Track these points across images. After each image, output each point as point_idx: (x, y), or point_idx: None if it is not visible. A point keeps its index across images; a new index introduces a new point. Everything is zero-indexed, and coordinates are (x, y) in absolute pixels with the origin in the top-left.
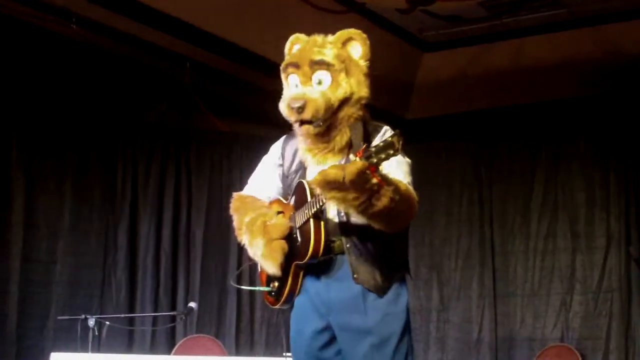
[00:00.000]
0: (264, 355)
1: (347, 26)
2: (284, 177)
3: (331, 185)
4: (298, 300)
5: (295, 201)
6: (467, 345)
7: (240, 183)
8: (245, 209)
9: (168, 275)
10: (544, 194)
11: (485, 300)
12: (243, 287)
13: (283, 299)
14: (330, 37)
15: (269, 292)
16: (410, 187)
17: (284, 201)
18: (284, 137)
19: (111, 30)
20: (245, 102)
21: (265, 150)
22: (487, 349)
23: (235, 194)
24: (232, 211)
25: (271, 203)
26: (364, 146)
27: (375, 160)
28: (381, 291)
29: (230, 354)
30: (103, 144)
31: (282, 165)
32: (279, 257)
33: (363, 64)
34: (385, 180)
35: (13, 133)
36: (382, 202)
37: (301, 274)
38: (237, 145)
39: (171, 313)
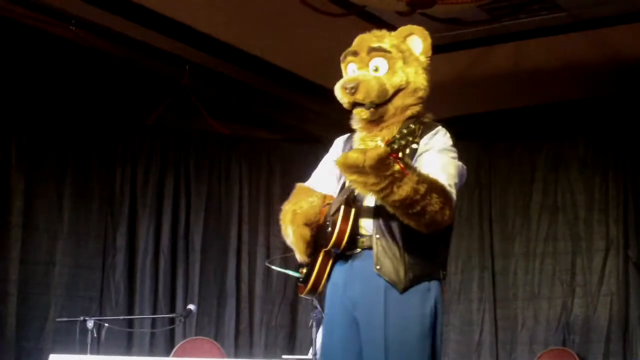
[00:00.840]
0: (263, 357)
1: (346, 29)
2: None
3: (352, 168)
4: (328, 293)
5: (341, 187)
6: (468, 348)
7: (239, 185)
8: (294, 198)
9: (167, 277)
10: (543, 196)
11: (485, 303)
12: (276, 268)
13: (309, 286)
14: (392, 32)
15: (298, 279)
16: (448, 188)
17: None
18: (348, 134)
19: (111, 33)
20: (244, 104)
21: (264, 153)
22: (488, 352)
23: (297, 185)
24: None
25: (325, 197)
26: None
27: (396, 147)
28: (401, 286)
29: (229, 356)
30: (102, 146)
31: None
32: (301, 245)
33: (423, 59)
34: (409, 169)
35: (12, 135)
36: (404, 190)
37: (330, 263)
38: (236, 148)
39: (170, 315)
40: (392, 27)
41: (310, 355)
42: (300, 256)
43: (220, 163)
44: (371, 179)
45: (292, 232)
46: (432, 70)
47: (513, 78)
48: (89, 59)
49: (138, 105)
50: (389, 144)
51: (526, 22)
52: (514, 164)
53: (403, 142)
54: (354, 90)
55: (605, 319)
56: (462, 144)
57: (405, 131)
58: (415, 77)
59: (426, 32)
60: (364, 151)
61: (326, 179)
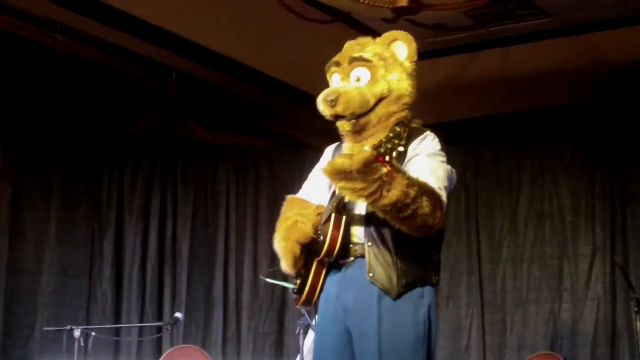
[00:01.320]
0: None
1: (332, 35)
2: None
3: (339, 174)
4: (321, 303)
5: (330, 194)
6: (456, 353)
7: (226, 193)
8: (288, 208)
9: (154, 285)
10: (530, 202)
11: (473, 308)
12: (270, 280)
13: (303, 297)
14: (377, 39)
15: (292, 290)
16: (439, 191)
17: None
18: (337, 143)
19: (97, 41)
20: (231, 112)
21: (250, 160)
22: (476, 357)
23: (287, 197)
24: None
25: (317, 207)
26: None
27: (382, 150)
28: (394, 293)
29: None
30: (89, 154)
31: None
32: (290, 260)
33: (408, 64)
34: (397, 172)
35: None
36: (394, 193)
37: (323, 273)
38: (223, 155)
39: (157, 323)
40: (377, 34)
41: None
42: (286, 268)
43: (207, 170)
44: (359, 184)
45: (280, 241)
46: (418, 76)
47: (499, 84)
48: (75, 67)
49: (124, 113)
50: (376, 147)
51: (512, 28)
52: (501, 169)
53: (389, 145)
54: (334, 102)
55: (591, 324)
56: (449, 149)
57: (391, 134)
58: (398, 84)
59: (410, 37)
60: (350, 156)
61: (317, 188)
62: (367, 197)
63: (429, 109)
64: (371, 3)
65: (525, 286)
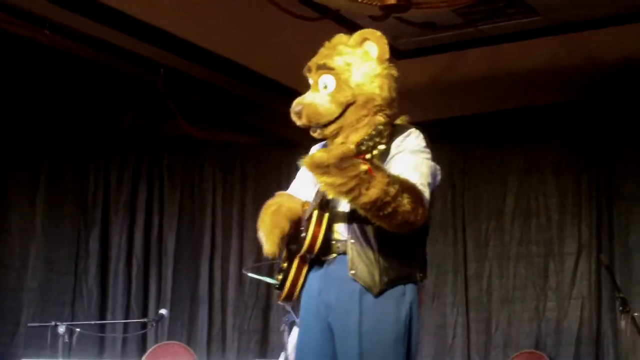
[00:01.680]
0: None
1: (321, 33)
2: None
3: (318, 168)
4: (303, 300)
5: (314, 194)
6: (441, 351)
7: (212, 189)
8: (274, 200)
9: (139, 282)
10: (516, 200)
11: (458, 306)
12: (253, 275)
13: (285, 292)
14: (350, 39)
15: (274, 285)
16: (420, 187)
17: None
18: (324, 141)
19: (85, 37)
20: (219, 109)
21: (238, 156)
22: (461, 355)
23: (276, 193)
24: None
25: (304, 204)
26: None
27: (364, 148)
28: (376, 290)
29: None
30: (75, 150)
31: None
32: (276, 235)
33: (377, 65)
34: (378, 170)
35: None
36: (374, 192)
37: (304, 269)
38: (210, 152)
39: (142, 320)
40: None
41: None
42: (270, 247)
43: (194, 167)
44: (338, 180)
45: (270, 222)
46: (407, 74)
47: (488, 82)
48: (63, 63)
49: (112, 109)
50: (357, 145)
51: (501, 26)
52: (488, 167)
53: (371, 143)
54: (298, 115)
55: (576, 322)
56: (437, 147)
57: (373, 132)
58: (364, 88)
59: (380, 36)
60: (328, 150)
61: (305, 186)
62: (345, 193)
63: (417, 107)
64: (360, 1)
65: (510, 284)
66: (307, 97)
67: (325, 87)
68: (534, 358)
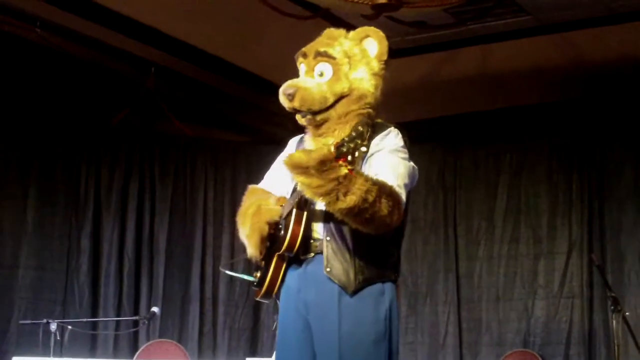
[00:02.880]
0: (227, 359)
1: (312, 31)
2: None
3: (297, 168)
4: (282, 298)
5: (292, 190)
6: (433, 350)
7: (204, 188)
8: (249, 197)
9: (131, 280)
10: (507, 199)
11: (450, 305)
12: (230, 273)
13: (263, 290)
14: (350, 33)
15: (252, 282)
16: (397, 189)
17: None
18: (301, 135)
19: (76, 35)
20: (209, 106)
21: (228, 155)
22: (452, 353)
23: (249, 187)
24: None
25: (279, 199)
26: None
27: (345, 150)
28: (351, 288)
29: (192, 358)
30: (67, 148)
31: None
32: (256, 239)
33: (376, 63)
34: (359, 175)
35: None
36: (351, 199)
37: (283, 267)
38: (201, 150)
39: (134, 318)
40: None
41: (274, 358)
42: (251, 250)
43: (185, 165)
44: (315, 181)
45: (249, 226)
46: (397, 73)
47: (478, 81)
48: (54, 61)
49: (103, 107)
50: (338, 147)
51: (492, 26)
52: (479, 167)
53: (352, 145)
54: (291, 97)
55: (567, 322)
56: (428, 146)
57: (354, 134)
58: (361, 83)
59: (382, 35)
60: (309, 152)
61: (279, 180)
62: (323, 196)
63: (408, 106)
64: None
65: (501, 284)
66: (302, 81)
67: (322, 74)
68: (525, 357)
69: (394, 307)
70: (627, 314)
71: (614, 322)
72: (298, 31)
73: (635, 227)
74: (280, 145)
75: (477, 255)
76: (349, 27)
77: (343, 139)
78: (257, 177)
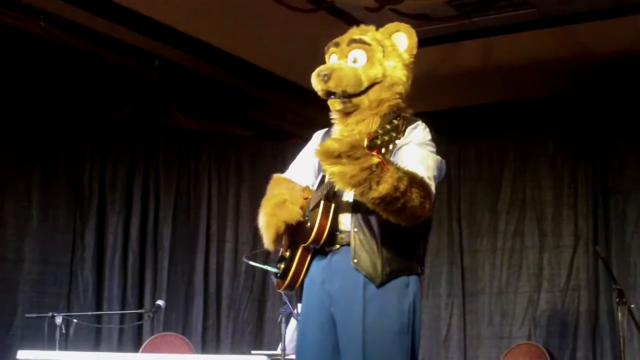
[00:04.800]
0: (230, 352)
1: (315, 24)
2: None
3: (329, 157)
4: (305, 290)
5: (319, 181)
6: (436, 342)
7: (208, 181)
8: (274, 186)
9: (135, 273)
10: (512, 192)
11: (453, 298)
12: (253, 263)
13: (287, 282)
14: (380, 29)
15: (275, 274)
16: (428, 181)
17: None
18: (327, 129)
19: (79, 28)
20: (213, 100)
21: (233, 149)
22: (456, 346)
23: (273, 175)
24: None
25: (304, 190)
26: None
27: (379, 142)
28: (378, 280)
29: (196, 351)
30: (70, 141)
31: None
32: (272, 234)
33: (406, 56)
34: (389, 164)
35: None
36: (384, 187)
37: (308, 258)
38: (205, 144)
39: (139, 311)
40: (361, 23)
41: (279, 351)
42: (267, 242)
43: (190, 159)
44: (349, 171)
45: (267, 221)
46: None
47: (481, 74)
48: (57, 54)
49: (107, 101)
50: (371, 138)
51: (495, 19)
52: (483, 160)
53: (386, 138)
54: (327, 77)
55: (573, 314)
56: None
57: (388, 127)
58: (394, 71)
59: (413, 31)
60: (339, 139)
61: (304, 171)
62: (355, 185)
63: (411, 99)
64: None
65: (505, 276)
66: (337, 64)
67: (355, 60)
68: (530, 350)
69: (417, 301)
70: (632, 306)
71: (620, 314)
72: (302, 25)
73: None
74: (285, 139)
75: (481, 247)
76: (353, 20)
77: (377, 130)
78: (261, 170)
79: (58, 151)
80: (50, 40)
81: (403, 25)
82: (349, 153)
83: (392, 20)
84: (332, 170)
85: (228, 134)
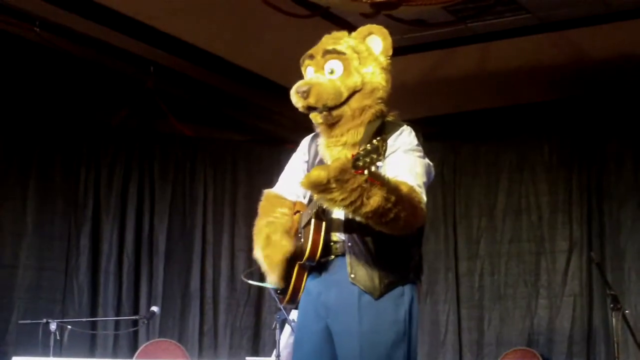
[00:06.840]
0: (227, 358)
1: (311, 30)
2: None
3: (317, 187)
4: (302, 301)
5: (309, 199)
6: (433, 348)
7: (203, 187)
8: (264, 210)
9: (130, 279)
10: (508, 198)
11: (450, 304)
12: (254, 283)
13: (287, 297)
14: (352, 33)
15: (276, 290)
16: (418, 189)
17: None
18: (313, 133)
19: (75, 34)
20: (209, 106)
21: (228, 154)
22: (453, 352)
23: (264, 192)
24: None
25: (295, 204)
26: (361, 148)
27: (360, 164)
28: (376, 293)
29: (192, 357)
30: (66, 147)
31: (307, 161)
32: (276, 277)
33: (383, 59)
34: (378, 179)
35: None
36: (375, 200)
37: (305, 274)
38: (200, 150)
39: (133, 317)
40: (356, 29)
41: (273, 357)
42: (276, 283)
43: (185, 165)
44: (339, 195)
45: (268, 263)
46: (397, 71)
47: (478, 79)
48: (53, 60)
49: (102, 107)
50: (354, 161)
51: (491, 24)
52: (479, 165)
53: (368, 160)
54: (306, 94)
55: (568, 320)
56: (427, 145)
57: (369, 148)
58: (372, 77)
59: (386, 31)
60: (325, 167)
61: (293, 183)
62: (347, 206)
63: (408, 104)
64: None
65: (502, 282)
66: (314, 78)
67: (332, 72)
68: (526, 356)
69: (413, 308)
70: (626, 311)
71: (614, 319)
72: (298, 30)
73: (634, 225)
74: (280, 144)
75: (477, 253)
76: (349, 25)
77: (359, 152)
78: (256, 176)
79: (53, 157)
80: (46, 47)
81: (375, 27)
82: (338, 177)
83: (388, 26)
84: (322, 197)
85: (223, 140)
